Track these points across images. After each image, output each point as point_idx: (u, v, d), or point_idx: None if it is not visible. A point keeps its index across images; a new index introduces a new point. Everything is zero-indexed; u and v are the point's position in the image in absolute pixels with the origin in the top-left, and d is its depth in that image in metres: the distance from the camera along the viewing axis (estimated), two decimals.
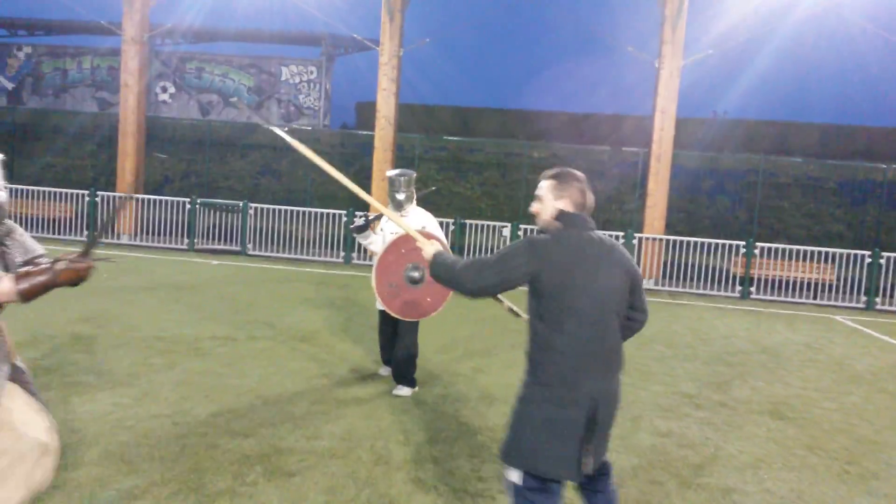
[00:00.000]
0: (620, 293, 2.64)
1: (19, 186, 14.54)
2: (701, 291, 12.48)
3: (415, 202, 5.46)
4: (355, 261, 13.51)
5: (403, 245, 4.87)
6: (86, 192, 14.21)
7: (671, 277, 12.91)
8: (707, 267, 12.67)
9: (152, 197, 14.55)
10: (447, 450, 4.30)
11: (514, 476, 2.63)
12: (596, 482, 2.81)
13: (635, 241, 12.76)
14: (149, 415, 4.54)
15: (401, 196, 5.32)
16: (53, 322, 6.83)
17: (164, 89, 24.05)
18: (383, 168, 13.91)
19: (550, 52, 64.93)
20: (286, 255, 13.66)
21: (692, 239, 12.88)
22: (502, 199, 18.97)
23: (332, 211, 13.68)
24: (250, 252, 13.67)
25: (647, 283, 12.56)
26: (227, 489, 3.58)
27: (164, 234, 14.13)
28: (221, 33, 24.18)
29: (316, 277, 11.60)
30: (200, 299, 8.74)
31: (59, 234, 14.01)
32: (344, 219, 13.37)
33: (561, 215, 2.67)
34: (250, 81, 24.24)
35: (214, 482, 3.64)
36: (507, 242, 12.85)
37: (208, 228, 14.13)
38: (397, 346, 5.35)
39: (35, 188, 14.55)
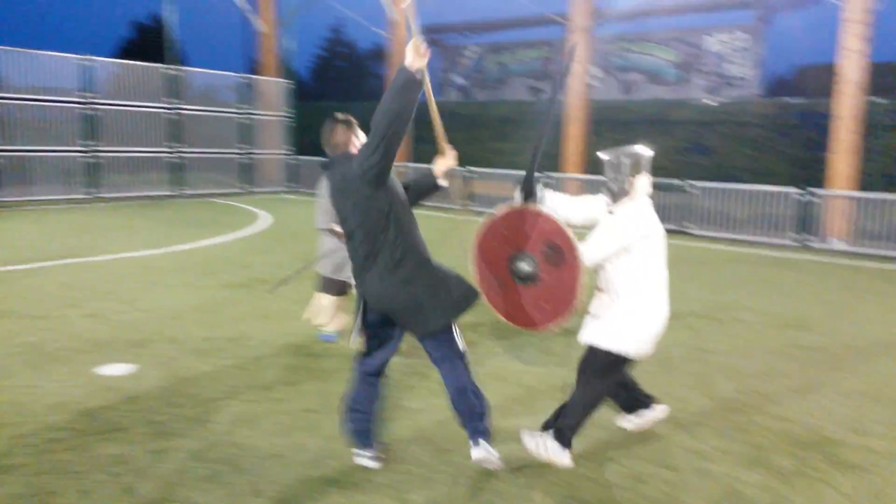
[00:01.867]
0: (364, 213, 3.14)
1: (476, 169, 17.24)
2: None
3: (638, 197, 3.51)
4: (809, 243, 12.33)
5: (507, 223, 3.48)
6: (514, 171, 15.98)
7: None
8: None
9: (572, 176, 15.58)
10: None
11: None
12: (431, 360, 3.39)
13: None
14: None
15: (615, 186, 3.54)
16: None
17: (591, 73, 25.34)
18: (850, 140, 12.40)
19: None
20: (727, 235, 13.15)
21: None
22: None
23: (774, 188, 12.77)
24: (690, 231, 13.56)
25: None
26: (795, 469, 3.65)
27: None
28: (654, 10, 24.33)
29: (766, 260, 10.99)
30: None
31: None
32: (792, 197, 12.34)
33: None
34: (672, 56, 23.98)
35: (778, 459, 3.75)
36: None
37: None
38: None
39: (486, 170, 16.99)
